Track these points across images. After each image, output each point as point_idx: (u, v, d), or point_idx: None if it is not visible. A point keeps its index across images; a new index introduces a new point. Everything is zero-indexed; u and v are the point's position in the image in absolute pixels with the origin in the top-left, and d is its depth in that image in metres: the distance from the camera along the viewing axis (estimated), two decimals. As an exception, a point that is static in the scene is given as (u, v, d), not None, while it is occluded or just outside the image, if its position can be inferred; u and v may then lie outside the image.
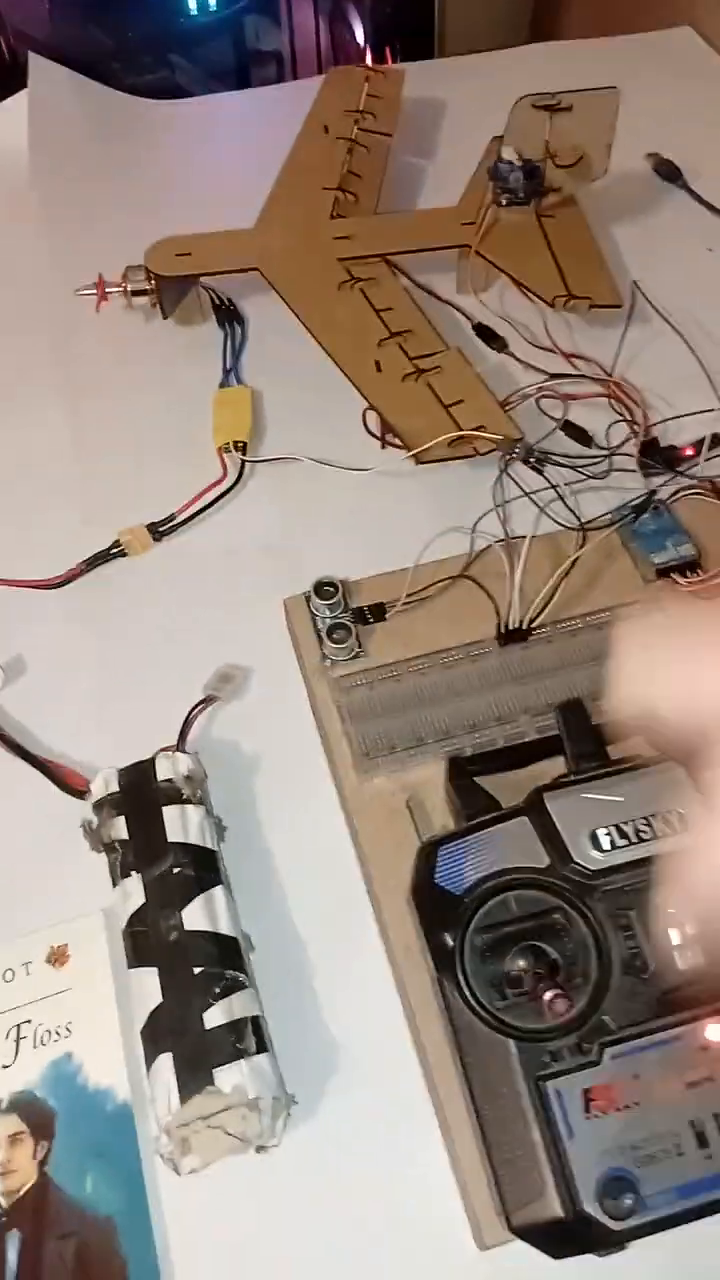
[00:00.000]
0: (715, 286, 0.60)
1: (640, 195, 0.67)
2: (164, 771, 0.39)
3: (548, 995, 0.30)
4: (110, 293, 0.58)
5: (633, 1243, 0.30)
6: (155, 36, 0.90)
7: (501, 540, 0.44)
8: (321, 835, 0.41)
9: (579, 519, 0.45)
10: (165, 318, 0.58)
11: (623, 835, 0.33)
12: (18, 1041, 0.37)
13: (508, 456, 0.46)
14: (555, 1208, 0.29)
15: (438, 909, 0.33)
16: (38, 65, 0.76)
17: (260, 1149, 0.34)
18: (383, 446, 0.52)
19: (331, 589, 0.44)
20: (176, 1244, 0.33)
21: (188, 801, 0.39)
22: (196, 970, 0.35)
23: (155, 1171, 0.34)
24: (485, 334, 0.57)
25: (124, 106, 0.77)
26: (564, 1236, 0.30)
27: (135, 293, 0.58)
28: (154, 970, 0.35)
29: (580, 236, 0.58)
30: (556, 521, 0.46)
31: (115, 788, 0.39)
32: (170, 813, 0.38)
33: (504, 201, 0.56)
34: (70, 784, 0.42)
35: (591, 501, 0.48)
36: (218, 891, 0.37)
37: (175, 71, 0.93)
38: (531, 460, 0.46)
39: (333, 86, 0.68)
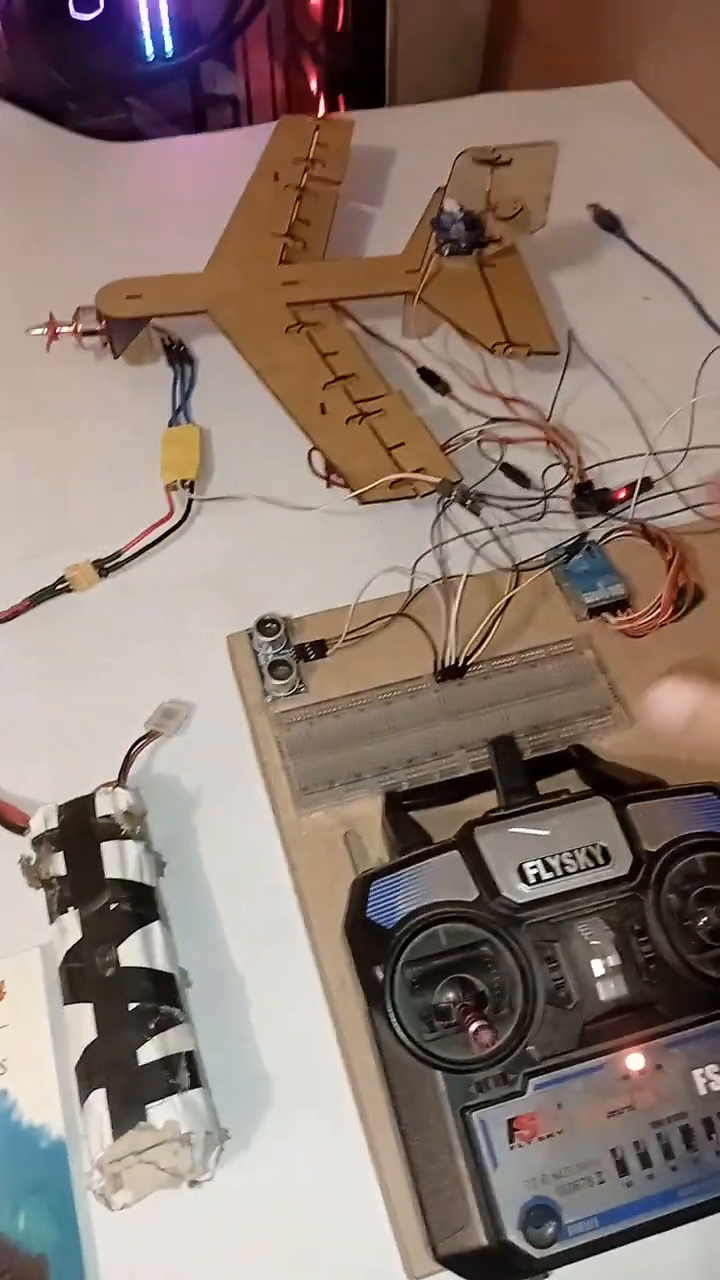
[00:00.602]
0: (650, 333, 0.63)
1: (581, 244, 0.70)
2: (103, 807, 0.40)
3: (472, 1027, 0.31)
4: (61, 332, 0.59)
5: (556, 1270, 0.30)
6: (113, 79, 0.92)
7: (438, 580, 0.45)
8: (261, 870, 0.41)
9: (512, 560, 0.46)
10: (116, 357, 0.59)
11: (549, 869, 0.34)
12: (-48, 1079, 0.37)
13: (445, 499, 0.47)
14: (480, 1237, 0.30)
15: (369, 943, 0.34)
16: (-6, 106, 0.77)
17: (193, 1183, 0.34)
18: (328, 486, 0.53)
19: (274, 626, 0.45)
20: (108, 1281, 0.33)
21: (126, 837, 0.39)
22: (131, 1006, 0.35)
23: (89, 1208, 0.34)
24: (429, 377, 0.59)
25: (80, 148, 0.79)
26: (489, 1265, 0.30)
27: (86, 333, 0.58)
28: (89, 1006, 0.35)
29: (520, 285, 0.60)
30: (490, 562, 0.47)
31: (54, 823, 0.40)
32: (109, 848, 0.39)
33: (446, 251, 0.58)
34: (10, 819, 0.42)
35: (528, 542, 0.50)
36: (155, 927, 0.38)
37: (132, 114, 0.95)
38: (468, 503, 0.47)
39: (283, 134, 0.70)
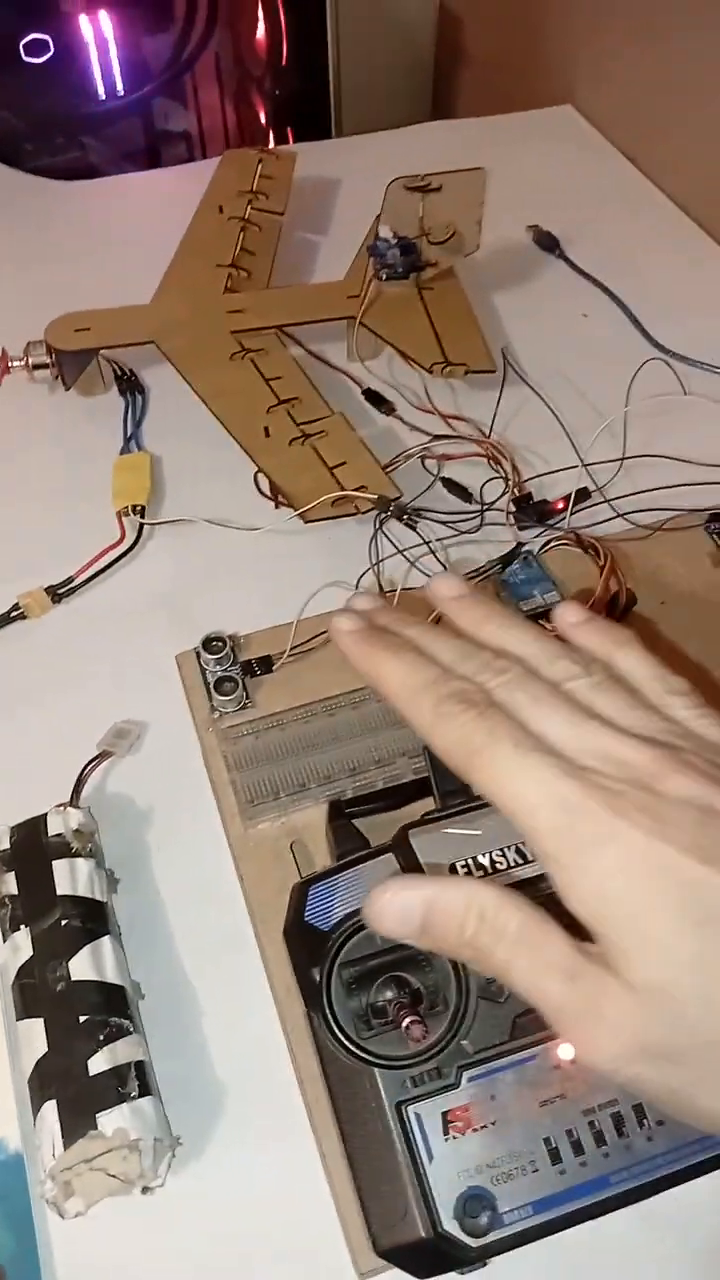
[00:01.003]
0: (588, 349, 0.65)
1: (521, 265, 0.72)
2: (55, 826, 0.41)
3: (405, 1022, 0.32)
4: (13, 366, 0.60)
5: (494, 1259, 0.31)
6: (67, 119, 0.94)
7: (376, 594, 0.47)
8: (212, 883, 0.42)
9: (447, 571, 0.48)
10: (67, 389, 0.61)
11: (479, 867, 0.35)
12: None
13: (381, 514, 0.49)
14: (418, 1228, 0.31)
15: (307, 946, 0.35)
16: (-52, 149, 0.79)
17: (145, 1190, 0.35)
18: (276, 506, 0.55)
19: (220, 643, 0.47)
20: (64, 1290, 0.34)
21: (77, 855, 0.40)
22: (81, 1019, 0.36)
23: (46, 1220, 0.35)
24: (374, 398, 0.61)
25: (30, 187, 0.80)
26: (427, 1257, 0.31)
27: (36, 366, 0.60)
28: (40, 1021, 0.36)
29: (458, 306, 0.61)
30: (427, 575, 0.49)
31: (6, 844, 0.41)
32: (60, 866, 0.40)
33: (384, 276, 0.60)
34: (-36, 843, 0.43)
35: (471, 553, 0.52)
36: (105, 941, 0.38)
37: (88, 151, 0.97)
38: (405, 518, 0.49)
39: (227, 168, 0.72)
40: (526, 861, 0.35)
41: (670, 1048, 0.22)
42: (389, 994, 0.33)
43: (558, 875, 0.23)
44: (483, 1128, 0.32)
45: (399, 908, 0.25)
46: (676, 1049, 0.22)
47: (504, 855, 0.35)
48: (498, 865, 0.35)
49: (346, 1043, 0.33)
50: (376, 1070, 0.32)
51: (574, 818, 0.23)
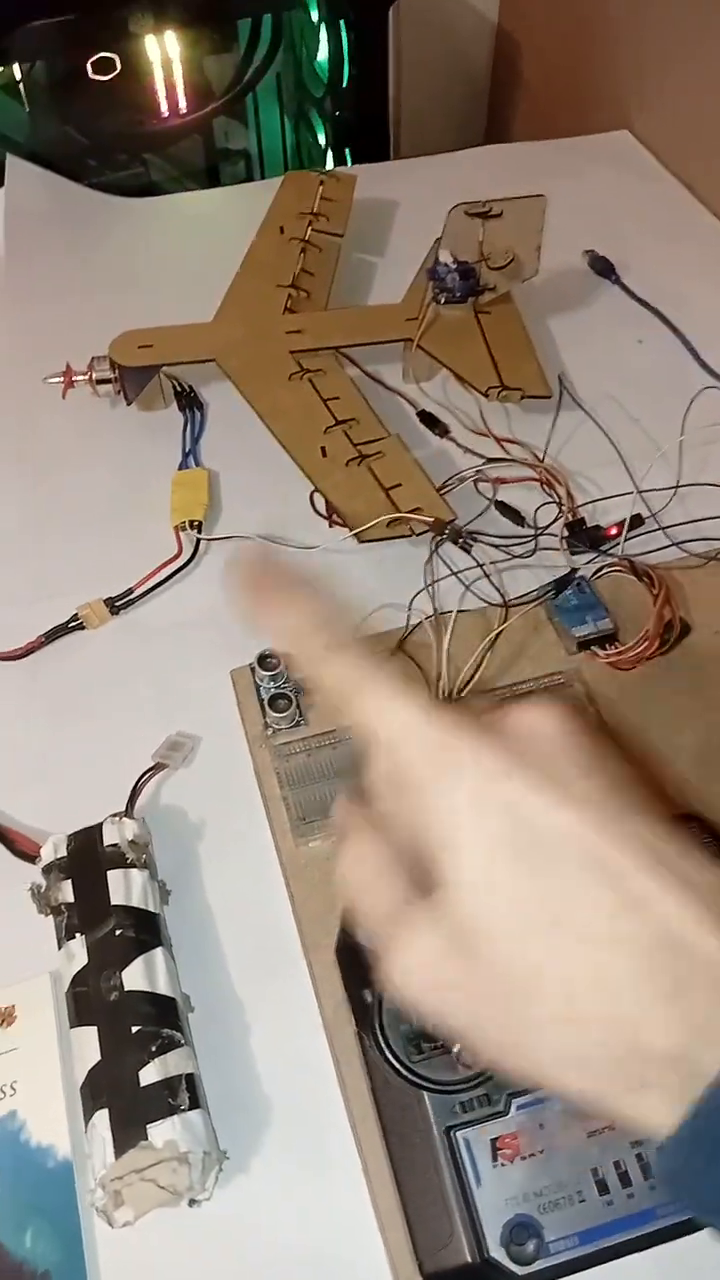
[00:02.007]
0: (643, 375, 0.65)
1: (576, 290, 0.72)
2: (110, 836, 0.42)
3: (456, 1048, 0.32)
4: (77, 380, 0.61)
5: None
6: (130, 137, 0.96)
7: (430, 616, 0.47)
8: (261, 898, 0.43)
9: (503, 595, 0.48)
10: (129, 404, 0.62)
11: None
12: (-37, 1101, 0.38)
13: (438, 538, 0.49)
14: (464, 1254, 0.31)
15: (359, 966, 0.35)
16: (14, 165, 0.81)
17: (193, 1202, 0.35)
18: (330, 525, 0.55)
19: (274, 660, 0.47)
20: (110, 1298, 0.34)
21: (132, 865, 0.41)
22: (134, 1029, 0.37)
23: (93, 1227, 0.36)
24: (428, 420, 0.61)
25: (96, 203, 0.82)
26: (473, 1282, 0.31)
27: (100, 381, 0.61)
28: (94, 1029, 0.37)
29: (514, 331, 0.62)
30: (482, 599, 0.49)
31: (64, 852, 0.41)
32: (114, 876, 0.40)
33: (442, 300, 0.61)
34: (22, 849, 0.44)
35: (523, 578, 0.52)
36: (158, 953, 0.39)
37: (149, 169, 0.99)
38: (460, 541, 0.49)
39: (289, 189, 0.73)
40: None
41: (468, 980, 0.23)
42: (439, 1018, 0.34)
43: (416, 802, 0.24)
44: (531, 1156, 0.32)
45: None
46: (472, 981, 0.23)
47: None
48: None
49: (397, 1065, 0.33)
50: (426, 1094, 0.33)
51: (440, 749, 0.24)
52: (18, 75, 0.90)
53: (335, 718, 0.27)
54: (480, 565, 0.49)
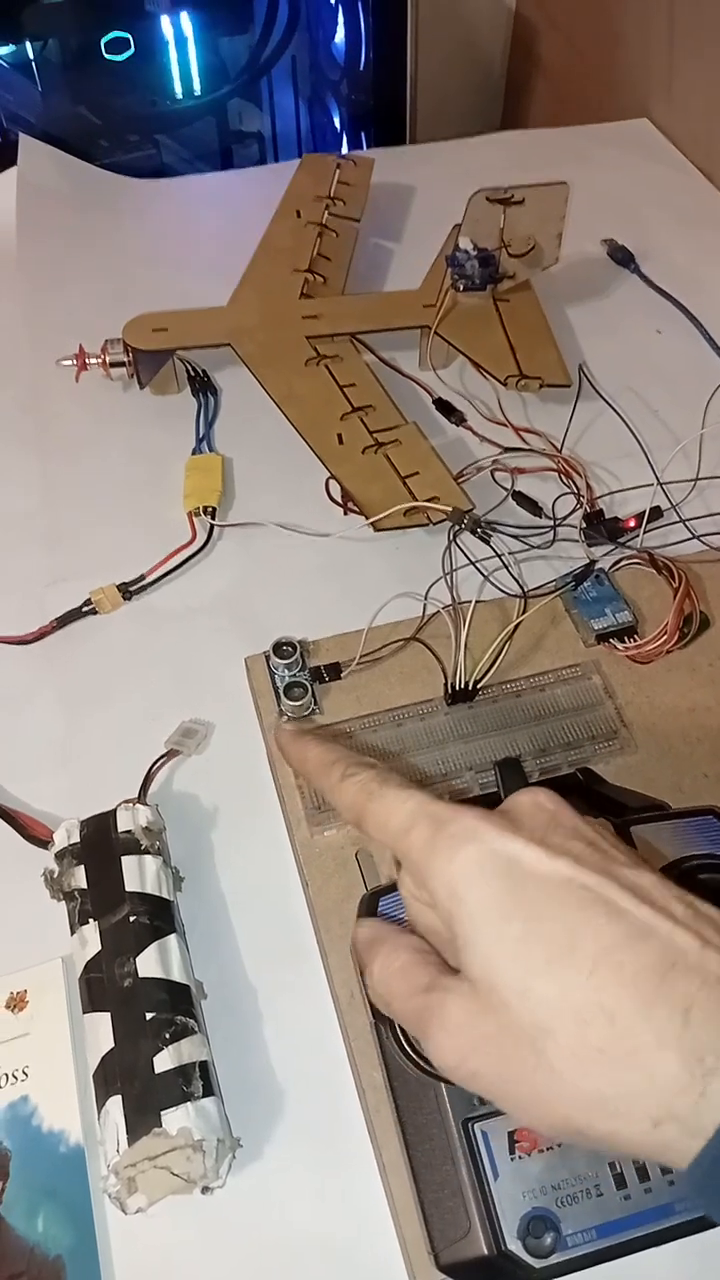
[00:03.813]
0: (661, 366, 0.64)
1: (595, 279, 0.71)
2: (124, 823, 0.41)
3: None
4: (90, 363, 0.61)
5: (554, 1280, 0.31)
6: (143, 118, 0.95)
7: (448, 606, 0.47)
8: (275, 885, 0.43)
9: (521, 586, 0.47)
10: (142, 388, 0.62)
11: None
12: (-25, 1084, 0.38)
13: (456, 527, 0.49)
14: (480, 1246, 0.31)
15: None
16: (27, 145, 0.80)
17: (205, 1190, 0.35)
18: (345, 513, 0.55)
19: (290, 648, 0.47)
20: (122, 1283, 0.34)
21: (146, 852, 0.41)
22: (148, 1016, 0.36)
23: (105, 1212, 0.36)
24: (444, 408, 0.61)
25: (108, 184, 0.81)
26: (489, 1274, 0.31)
27: (113, 364, 0.61)
28: (107, 1015, 0.37)
29: (534, 319, 0.61)
30: (500, 589, 0.49)
31: (76, 838, 0.41)
32: (128, 862, 0.40)
33: (461, 286, 0.60)
34: (34, 834, 0.43)
35: (540, 569, 0.51)
36: (171, 940, 0.39)
37: (161, 150, 0.98)
38: (479, 531, 0.49)
39: (305, 172, 0.72)
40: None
41: (495, 1040, 0.24)
42: (456, 1009, 0.33)
43: (427, 882, 0.26)
44: (548, 1149, 0.32)
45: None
46: (499, 1040, 0.24)
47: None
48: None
49: (415, 1056, 0.33)
50: (443, 1085, 0.32)
51: (443, 826, 0.26)
52: (31, 54, 0.89)
53: (355, 829, 0.30)
54: (499, 555, 0.49)
